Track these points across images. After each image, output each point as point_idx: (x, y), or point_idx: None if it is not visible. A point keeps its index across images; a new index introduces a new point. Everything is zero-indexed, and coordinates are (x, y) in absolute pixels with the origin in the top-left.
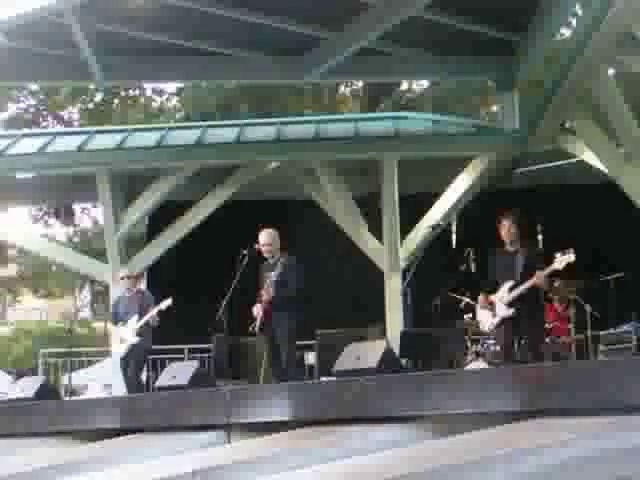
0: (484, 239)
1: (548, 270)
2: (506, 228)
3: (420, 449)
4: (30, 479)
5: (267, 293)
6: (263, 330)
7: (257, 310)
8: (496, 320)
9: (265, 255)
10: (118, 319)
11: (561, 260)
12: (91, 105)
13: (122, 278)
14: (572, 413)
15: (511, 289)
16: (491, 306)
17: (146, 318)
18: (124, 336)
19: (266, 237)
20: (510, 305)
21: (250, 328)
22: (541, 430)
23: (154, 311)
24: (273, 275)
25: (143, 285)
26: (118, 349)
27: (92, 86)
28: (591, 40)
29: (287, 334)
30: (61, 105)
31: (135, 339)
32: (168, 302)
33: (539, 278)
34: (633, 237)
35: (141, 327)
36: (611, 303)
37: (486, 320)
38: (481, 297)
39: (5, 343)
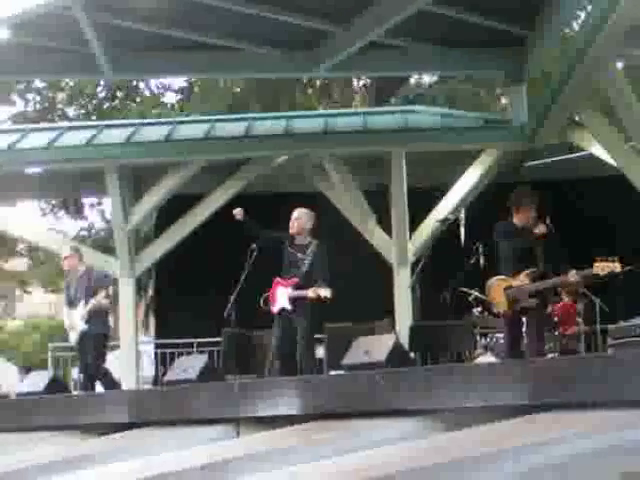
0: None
1: (586, 273)
2: (531, 211)
3: (429, 443)
4: (39, 473)
5: (294, 279)
6: (281, 314)
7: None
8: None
9: (292, 231)
10: (70, 302)
11: (604, 267)
12: (93, 104)
13: (66, 258)
14: (582, 407)
15: (534, 279)
16: (512, 291)
17: (93, 303)
18: (73, 322)
19: (297, 213)
20: (532, 296)
21: (262, 303)
22: (550, 424)
23: (101, 295)
24: (304, 262)
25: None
26: (71, 336)
27: (101, 81)
28: (600, 33)
29: (308, 327)
30: (65, 103)
31: (84, 326)
32: (102, 295)
33: (573, 277)
34: None
35: (89, 312)
36: (621, 297)
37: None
38: (501, 282)
39: (14, 337)
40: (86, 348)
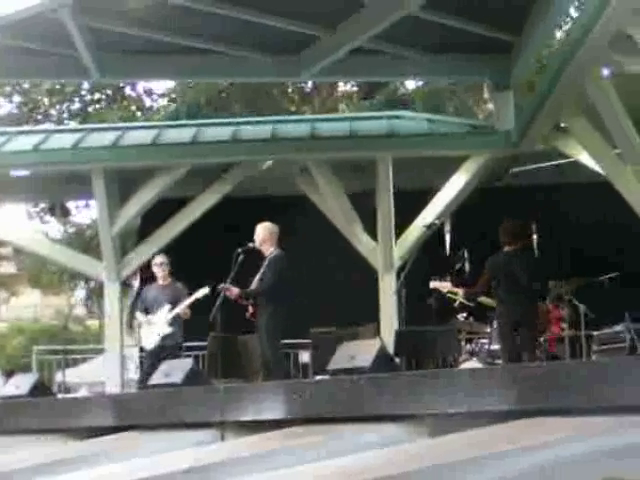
0: (478, 238)
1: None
2: None
3: (414, 448)
4: (23, 476)
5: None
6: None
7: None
8: None
9: (256, 245)
10: (147, 309)
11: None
12: (77, 105)
13: (162, 264)
14: (565, 413)
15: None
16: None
17: (180, 308)
18: (155, 326)
19: (256, 230)
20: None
21: (247, 314)
22: (534, 430)
23: (189, 300)
24: (260, 270)
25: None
26: (148, 341)
27: (87, 83)
28: (586, 41)
29: (264, 330)
30: (39, 106)
31: (168, 329)
32: (205, 291)
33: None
34: (627, 236)
35: (173, 318)
36: (605, 303)
37: None
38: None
39: None
40: (162, 355)
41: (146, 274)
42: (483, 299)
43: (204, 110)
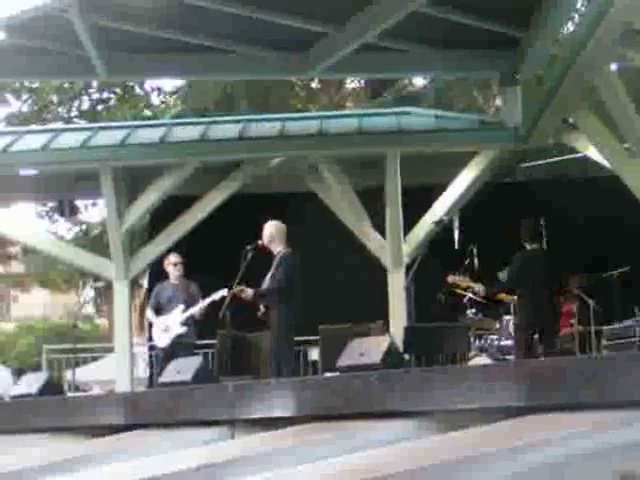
0: (487, 234)
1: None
2: None
3: (423, 445)
4: (34, 475)
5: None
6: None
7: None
8: None
9: (265, 245)
10: (160, 308)
11: (455, 279)
12: (85, 104)
13: (176, 264)
14: (577, 408)
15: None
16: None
17: (196, 308)
18: (169, 325)
19: (263, 228)
20: None
21: (259, 313)
22: (545, 425)
23: (206, 301)
24: (270, 271)
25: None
26: (161, 339)
27: (94, 82)
28: (594, 35)
29: (276, 329)
30: (48, 105)
31: (182, 329)
32: (222, 292)
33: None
34: (636, 231)
35: (187, 318)
36: (615, 298)
37: None
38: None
39: (9, 339)
40: (175, 354)
41: (156, 272)
42: (501, 295)
43: (211, 111)
